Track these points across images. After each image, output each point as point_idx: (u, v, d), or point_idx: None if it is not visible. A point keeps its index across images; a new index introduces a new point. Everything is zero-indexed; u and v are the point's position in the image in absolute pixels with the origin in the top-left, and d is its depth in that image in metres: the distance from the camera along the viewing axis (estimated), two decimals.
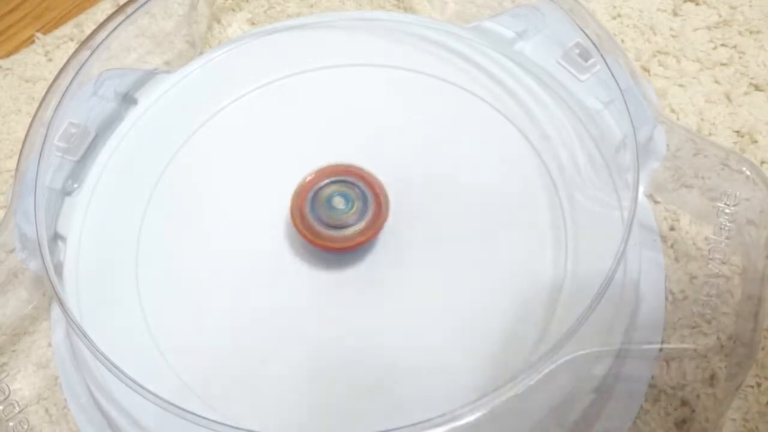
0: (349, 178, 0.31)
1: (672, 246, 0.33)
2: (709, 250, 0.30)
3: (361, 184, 0.31)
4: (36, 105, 0.33)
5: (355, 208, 0.30)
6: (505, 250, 0.31)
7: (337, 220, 0.30)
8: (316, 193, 0.31)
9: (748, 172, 0.30)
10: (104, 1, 0.42)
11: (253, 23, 0.41)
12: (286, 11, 0.41)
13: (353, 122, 0.34)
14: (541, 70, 0.34)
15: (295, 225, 0.30)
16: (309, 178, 0.31)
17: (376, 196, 0.31)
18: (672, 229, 0.33)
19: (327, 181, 0.31)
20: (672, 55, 0.38)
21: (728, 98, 0.36)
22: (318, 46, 0.36)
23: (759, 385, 0.31)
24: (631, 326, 0.29)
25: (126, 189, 0.33)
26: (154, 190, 0.33)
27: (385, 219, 0.30)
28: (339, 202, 0.30)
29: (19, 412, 0.30)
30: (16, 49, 0.42)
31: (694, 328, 0.30)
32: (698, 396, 0.30)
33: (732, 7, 0.39)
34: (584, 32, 0.32)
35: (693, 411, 0.30)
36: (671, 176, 0.32)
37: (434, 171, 0.33)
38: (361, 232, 0.30)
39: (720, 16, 0.38)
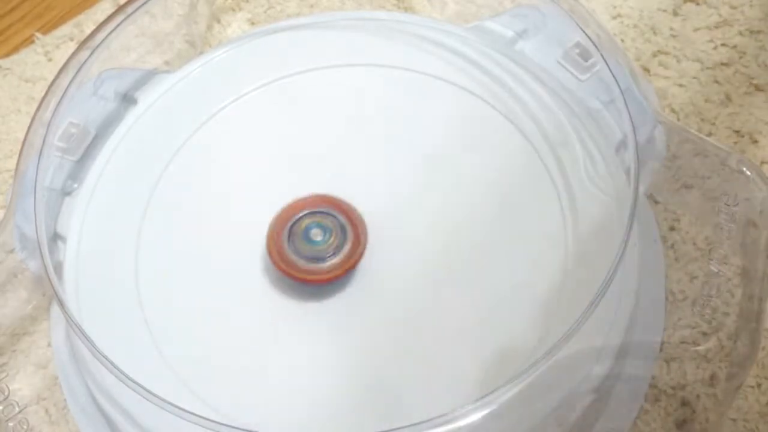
0: (327, 209, 0.31)
1: (672, 246, 0.33)
2: (709, 250, 0.30)
3: (338, 214, 0.31)
4: (36, 105, 0.32)
5: (332, 239, 0.30)
6: (505, 250, 0.31)
7: (314, 251, 0.30)
8: (293, 225, 0.31)
9: (748, 172, 0.30)
10: (104, 1, 0.42)
11: (253, 23, 0.41)
12: (286, 11, 0.41)
13: (353, 123, 0.34)
14: (541, 70, 0.34)
15: (273, 259, 0.30)
16: (286, 209, 0.31)
17: (354, 226, 0.30)
18: (672, 229, 0.33)
19: (305, 212, 0.31)
20: (672, 55, 0.38)
21: (728, 98, 0.36)
22: (318, 46, 0.36)
23: (759, 385, 0.31)
24: (631, 326, 0.29)
25: (126, 189, 0.33)
26: (154, 190, 0.33)
27: (363, 249, 0.30)
28: (316, 234, 0.30)
29: (19, 412, 0.30)
30: (15, 49, 0.42)
31: (694, 328, 0.30)
32: (698, 396, 0.30)
33: (732, 7, 0.39)
34: (584, 32, 0.32)
35: (693, 411, 0.30)
36: (671, 176, 0.32)
37: (433, 171, 0.33)
38: (340, 264, 0.30)
39: (720, 16, 0.38)
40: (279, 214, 0.31)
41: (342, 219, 0.31)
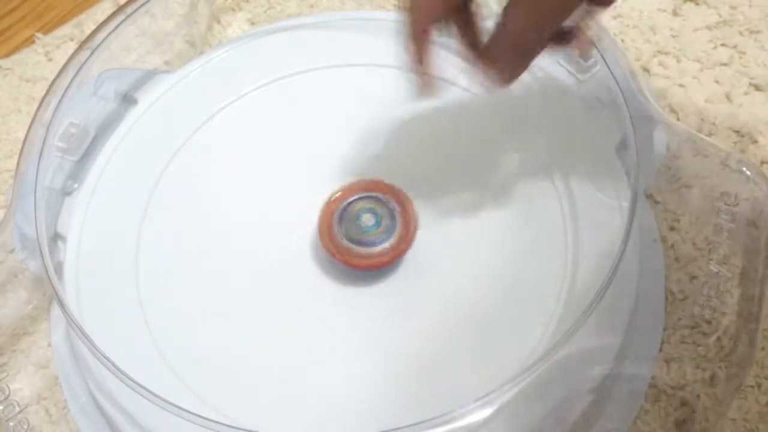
0: (377, 194, 0.31)
1: (672, 246, 0.33)
2: (709, 250, 0.30)
3: (388, 199, 0.31)
4: (36, 105, 0.33)
5: (383, 225, 0.30)
6: (505, 250, 0.31)
7: (365, 236, 0.30)
8: (345, 209, 0.31)
9: (748, 172, 0.30)
10: (104, 1, 0.42)
11: (253, 23, 0.41)
12: (286, 11, 0.41)
13: (353, 123, 0.34)
14: (541, 70, 0.34)
15: (323, 243, 0.30)
16: (337, 194, 0.31)
17: (404, 210, 0.30)
18: (672, 229, 0.33)
19: (355, 197, 0.31)
20: (672, 55, 0.38)
21: (728, 98, 0.36)
22: (318, 46, 0.36)
23: (759, 385, 0.31)
24: (631, 326, 0.29)
25: (126, 189, 0.33)
26: (154, 190, 0.33)
27: (414, 235, 0.30)
28: (368, 219, 0.30)
29: (19, 412, 0.30)
30: (16, 49, 0.42)
31: (694, 328, 0.30)
32: (698, 396, 0.30)
33: (732, 7, 0.39)
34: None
35: (693, 411, 0.30)
36: (671, 176, 0.32)
37: (433, 172, 0.33)
38: (391, 250, 0.30)
39: (720, 16, 0.38)
40: (330, 199, 0.31)
41: (393, 205, 0.31)
